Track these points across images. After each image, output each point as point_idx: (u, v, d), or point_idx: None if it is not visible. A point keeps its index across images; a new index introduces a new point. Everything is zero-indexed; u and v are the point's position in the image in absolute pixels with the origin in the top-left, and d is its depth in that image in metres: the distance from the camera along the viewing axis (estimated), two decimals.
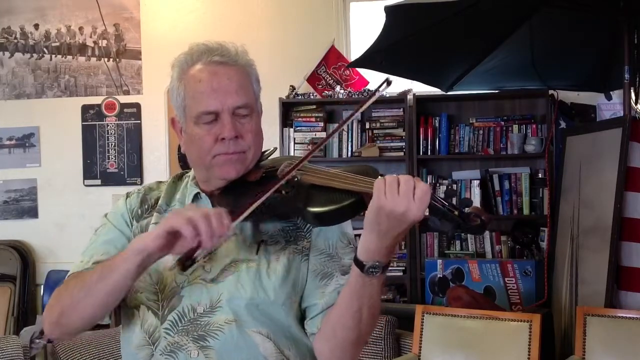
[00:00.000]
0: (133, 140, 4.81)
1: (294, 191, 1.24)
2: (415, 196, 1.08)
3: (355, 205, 1.18)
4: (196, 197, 1.39)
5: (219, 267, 1.30)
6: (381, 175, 1.17)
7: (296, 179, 1.26)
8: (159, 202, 1.41)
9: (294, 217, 1.34)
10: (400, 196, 1.08)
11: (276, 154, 1.45)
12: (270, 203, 1.25)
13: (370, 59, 3.57)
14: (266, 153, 1.42)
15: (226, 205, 1.30)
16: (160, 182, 1.49)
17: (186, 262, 1.16)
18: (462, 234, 4.32)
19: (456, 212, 1.10)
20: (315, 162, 1.31)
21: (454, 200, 1.13)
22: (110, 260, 1.25)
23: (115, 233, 1.39)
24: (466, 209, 1.11)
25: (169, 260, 1.21)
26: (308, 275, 1.32)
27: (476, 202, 1.14)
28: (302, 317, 1.33)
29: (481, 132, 4.30)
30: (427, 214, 1.11)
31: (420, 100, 4.33)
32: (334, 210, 1.18)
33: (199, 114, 1.31)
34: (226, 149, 1.30)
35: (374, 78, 4.38)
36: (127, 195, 1.45)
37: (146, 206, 1.41)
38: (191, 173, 1.44)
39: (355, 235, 1.38)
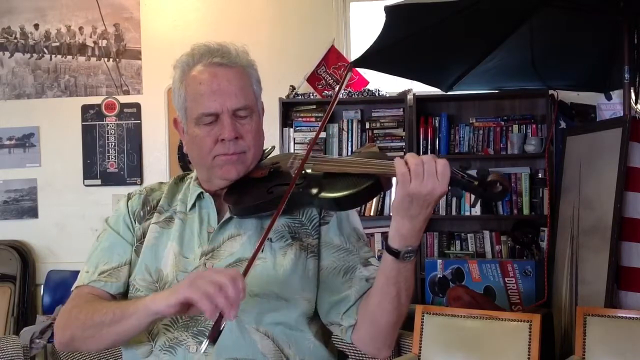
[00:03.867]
0: (133, 140, 4.81)
1: (305, 182, 1.25)
2: (438, 174, 1.11)
3: (373, 188, 1.20)
4: (199, 197, 1.39)
5: (222, 265, 1.31)
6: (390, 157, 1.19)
7: (306, 171, 1.26)
8: (160, 202, 1.42)
9: (298, 213, 1.35)
10: (426, 178, 1.11)
11: (275, 153, 1.46)
12: (282, 196, 1.25)
13: (370, 59, 3.57)
14: (266, 152, 1.43)
15: (232, 202, 1.31)
16: (162, 183, 1.50)
17: (216, 337, 1.13)
18: (462, 234, 4.33)
19: (476, 182, 1.13)
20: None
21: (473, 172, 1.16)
22: (124, 307, 1.25)
23: (115, 238, 1.40)
24: (485, 178, 1.13)
25: (202, 347, 1.20)
26: (329, 273, 1.33)
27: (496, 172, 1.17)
28: (312, 316, 1.34)
29: (481, 132, 4.30)
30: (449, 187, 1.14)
31: (420, 100, 4.33)
32: (353, 194, 1.20)
33: (199, 116, 1.32)
34: (226, 150, 1.32)
35: (374, 78, 4.38)
36: (129, 196, 1.45)
37: (148, 208, 1.42)
38: (193, 174, 1.45)
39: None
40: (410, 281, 1.23)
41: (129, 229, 1.40)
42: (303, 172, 1.26)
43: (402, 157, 1.14)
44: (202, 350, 1.15)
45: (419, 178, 1.10)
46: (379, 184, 1.19)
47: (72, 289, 1.38)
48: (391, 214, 1.18)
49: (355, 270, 1.33)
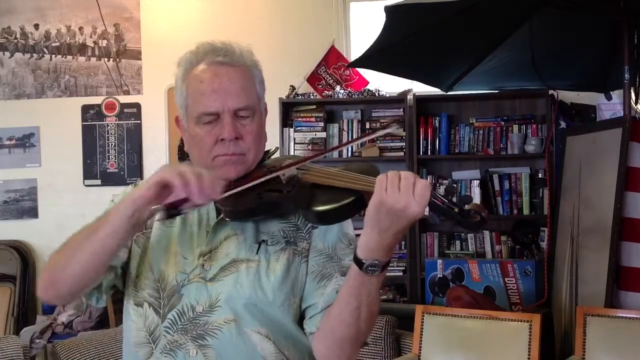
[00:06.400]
0: (133, 140, 4.81)
1: (294, 190, 1.25)
2: (416, 192, 1.07)
3: (356, 204, 1.18)
4: None
5: (218, 266, 1.30)
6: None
7: (296, 177, 1.26)
8: None
9: (294, 217, 1.34)
10: (401, 192, 1.07)
11: (278, 154, 1.45)
12: (271, 202, 1.25)
13: (370, 59, 3.58)
14: (269, 153, 1.42)
15: (229, 204, 1.30)
16: None
17: (171, 209, 1.17)
18: (462, 234, 4.33)
19: (456, 209, 1.10)
20: (315, 162, 1.31)
21: (454, 198, 1.13)
22: (101, 216, 1.26)
23: None
24: (466, 206, 1.11)
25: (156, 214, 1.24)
26: (307, 276, 1.32)
27: (476, 202, 1.15)
28: (301, 318, 1.33)
29: (481, 132, 4.30)
30: (428, 211, 1.11)
31: (420, 100, 4.33)
32: (335, 209, 1.18)
33: (200, 115, 1.31)
34: (226, 150, 1.31)
35: (374, 78, 4.38)
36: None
37: None
38: None
39: (357, 236, 1.39)
40: (373, 297, 1.19)
41: None
42: (295, 178, 1.25)
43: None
44: (152, 208, 1.18)
45: (394, 189, 1.08)
46: (362, 200, 1.17)
47: None
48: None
49: (331, 278, 1.30)
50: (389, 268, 1.18)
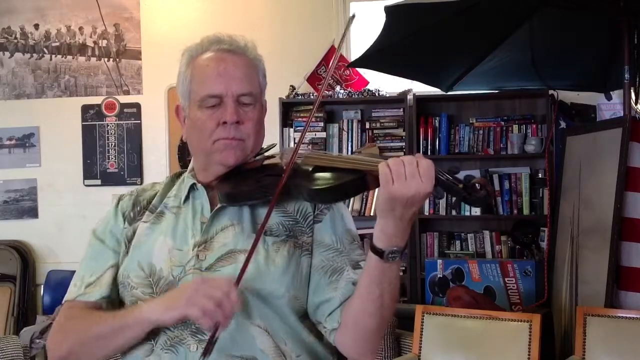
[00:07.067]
0: (133, 140, 4.81)
1: (293, 174, 1.25)
2: (422, 174, 1.09)
3: (357, 183, 1.19)
4: (192, 188, 1.39)
5: (214, 256, 1.30)
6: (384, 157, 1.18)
7: (297, 163, 1.27)
8: (153, 202, 1.42)
9: (292, 209, 1.35)
10: (408, 179, 1.09)
11: (275, 150, 1.46)
12: (270, 185, 1.26)
13: (370, 59, 3.58)
14: (265, 148, 1.43)
15: (222, 189, 1.31)
16: (156, 183, 1.49)
17: (210, 347, 1.19)
18: (462, 234, 4.33)
19: (460, 185, 1.12)
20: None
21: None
22: (122, 318, 1.28)
23: (100, 248, 1.40)
24: (470, 181, 1.13)
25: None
26: (315, 271, 1.32)
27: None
28: (304, 314, 1.33)
29: (481, 132, 4.30)
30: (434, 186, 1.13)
31: (420, 100, 4.32)
32: (335, 187, 1.20)
33: (204, 97, 1.33)
34: (227, 134, 1.32)
35: (374, 78, 4.38)
36: (120, 198, 1.46)
37: (138, 208, 1.42)
38: (189, 166, 1.45)
39: (360, 235, 1.40)
40: (394, 284, 1.22)
41: (115, 237, 1.40)
42: (297, 162, 1.26)
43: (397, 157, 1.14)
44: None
45: (401, 179, 1.09)
46: (364, 180, 1.19)
47: (62, 302, 1.39)
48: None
49: (342, 272, 1.31)
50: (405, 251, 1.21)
